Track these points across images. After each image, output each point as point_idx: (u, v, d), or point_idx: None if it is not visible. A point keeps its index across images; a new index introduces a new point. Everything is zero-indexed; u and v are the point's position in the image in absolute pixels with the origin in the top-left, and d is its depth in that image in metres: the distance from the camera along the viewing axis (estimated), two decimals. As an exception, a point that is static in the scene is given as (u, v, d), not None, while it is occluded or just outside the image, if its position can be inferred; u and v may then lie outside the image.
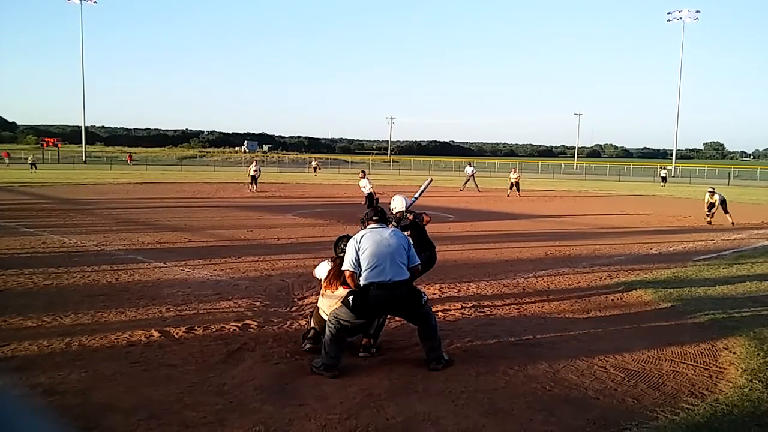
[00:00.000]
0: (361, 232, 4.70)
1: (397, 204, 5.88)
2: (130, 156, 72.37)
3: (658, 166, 52.06)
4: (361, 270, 4.55)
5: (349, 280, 4.62)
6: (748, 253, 10.80)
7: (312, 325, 5.01)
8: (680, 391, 4.17)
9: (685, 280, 8.04)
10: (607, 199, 25.84)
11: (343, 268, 4.66)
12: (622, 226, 15.12)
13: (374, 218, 4.84)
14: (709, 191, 16.02)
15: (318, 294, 5.32)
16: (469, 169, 29.94)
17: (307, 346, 4.85)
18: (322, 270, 5.15)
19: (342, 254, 4.91)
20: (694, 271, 8.76)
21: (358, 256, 4.57)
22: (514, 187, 25.99)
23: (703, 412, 3.81)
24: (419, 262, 4.83)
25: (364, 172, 20.11)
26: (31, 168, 39.60)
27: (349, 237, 4.97)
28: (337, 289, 4.88)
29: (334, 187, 30.42)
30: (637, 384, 4.30)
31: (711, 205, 15.72)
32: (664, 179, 41.19)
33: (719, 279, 8.14)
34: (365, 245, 4.57)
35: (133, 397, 3.87)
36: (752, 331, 5.59)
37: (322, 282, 5.06)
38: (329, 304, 4.79)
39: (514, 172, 26.64)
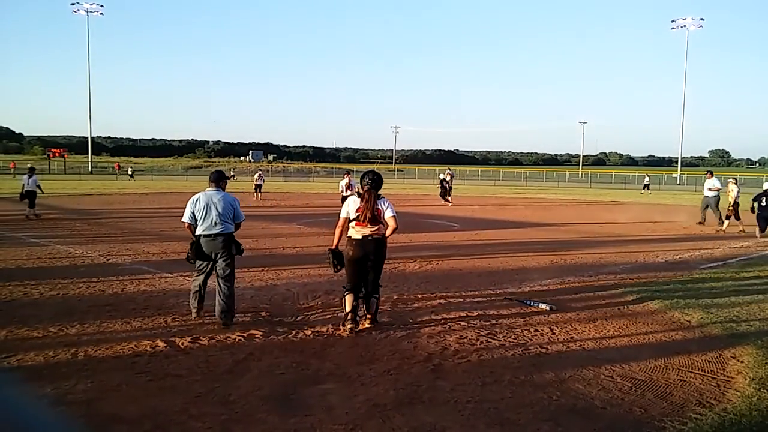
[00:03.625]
0: (198, 194, 6.00)
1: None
2: (118, 165, 67.54)
3: (645, 175, 52.12)
4: (197, 223, 5.90)
5: (186, 230, 6.06)
6: (755, 261, 10.74)
7: (346, 309, 5.67)
8: (688, 401, 4.15)
9: (691, 288, 8.00)
10: (612, 207, 25.76)
11: (183, 220, 5.99)
12: (627, 234, 15.07)
13: (212, 182, 6.10)
14: (732, 180, 15.89)
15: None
16: (442, 175, 30.37)
17: (349, 325, 5.61)
18: (353, 206, 5.73)
19: (366, 186, 5.78)
20: (700, 279, 8.72)
21: (194, 212, 5.90)
22: (446, 192, 24.93)
23: (711, 422, 3.79)
24: (244, 219, 6.23)
25: (349, 172, 18.26)
26: (131, 177, 49.60)
27: (372, 172, 5.98)
28: (365, 226, 5.67)
29: (339, 196, 30.38)
30: (644, 393, 4.28)
31: (735, 205, 15.22)
32: (646, 186, 41.98)
33: (726, 287, 8.09)
34: (200, 206, 5.89)
35: (139, 408, 3.88)
36: (760, 340, 5.56)
37: (353, 219, 5.73)
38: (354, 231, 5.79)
39: (447, 175, 25.75)
